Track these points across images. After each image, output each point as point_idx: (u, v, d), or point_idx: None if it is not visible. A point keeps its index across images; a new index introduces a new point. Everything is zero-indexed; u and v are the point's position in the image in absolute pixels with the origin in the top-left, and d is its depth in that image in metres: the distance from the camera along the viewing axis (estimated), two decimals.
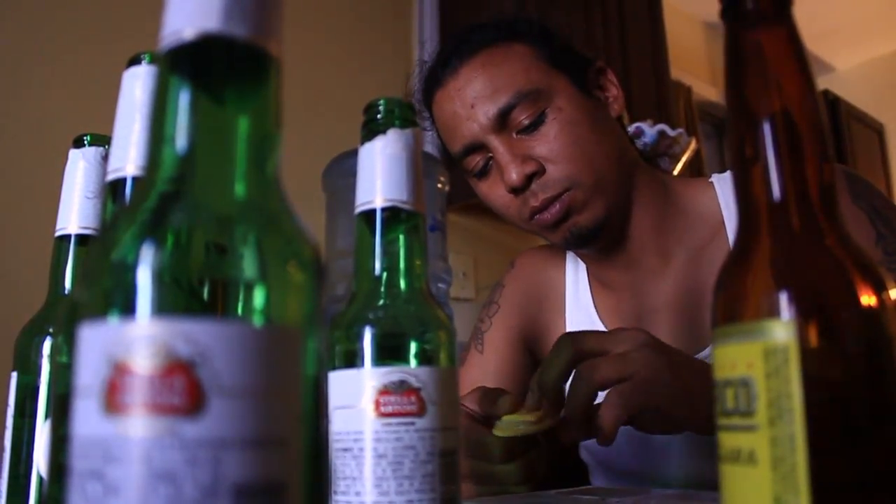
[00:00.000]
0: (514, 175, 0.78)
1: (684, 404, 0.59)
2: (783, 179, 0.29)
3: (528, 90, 0.78)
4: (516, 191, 0.79)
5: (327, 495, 0.38)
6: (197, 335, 0.21)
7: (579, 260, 0.94)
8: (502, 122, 0.79)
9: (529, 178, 0.78)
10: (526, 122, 0.78)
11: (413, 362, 0.39)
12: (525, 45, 0.82)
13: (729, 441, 0.28)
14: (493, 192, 0.83)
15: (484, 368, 0.91)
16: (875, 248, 0.70)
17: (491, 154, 0.81)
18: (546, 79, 0.80)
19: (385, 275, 0.41)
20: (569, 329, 0.92)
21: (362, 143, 0.42)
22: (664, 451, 0.81)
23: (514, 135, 0.79)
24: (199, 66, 0.24)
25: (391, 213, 0.41)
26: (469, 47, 0.82)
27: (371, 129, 0.42)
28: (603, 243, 0.84)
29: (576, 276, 0.94)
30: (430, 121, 0.89)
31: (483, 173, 0.83)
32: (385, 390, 0.38)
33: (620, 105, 0.86)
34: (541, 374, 0.61)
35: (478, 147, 0.81)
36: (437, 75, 0.84)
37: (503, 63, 0.80)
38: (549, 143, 0.78)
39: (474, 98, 0.80)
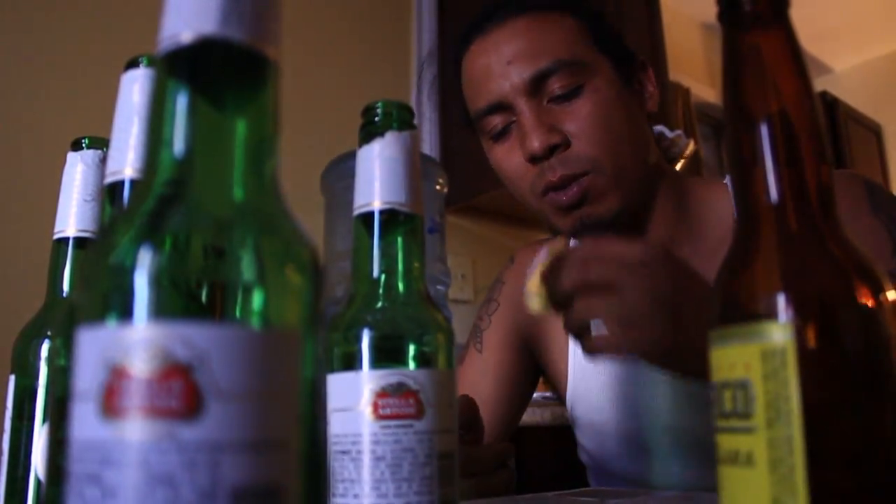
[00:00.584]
0: (536, 143, 0.74)
1: (673, 361, 0.58)
2: (781, 181, 0.30)
3: (570, 60, 0.75)
4: (535, 159, 0.75)
5: (326, 498, 0.38)
6: (195, 338, 0.21)
7: None
8: (536, 86, 0.75)
9: (552, 150, 0.74)
10: (560, 91, 0.75)
11: (411, 364, 0.39)
12: (575, 19, 0.78)
13: (727, 443, 0.28)
14: (509, 158, 0.79)
15: (482, 369, 0.90)
16: (891, 259, 0.69)
17: (514, 118, 0.77)
18: (589, 56, 0.77)
19: (383, 277, 0.41)
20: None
21: (360, 145, 0.42)
22: (662, 456, 0.81)
23: (545, 103, 0.76)
24: (197, 69, 0.24)
25: (389, 216, 0.41)
26: (519, 5, 0.79)
27: (369, 132, 0.42)
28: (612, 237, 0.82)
29: None
30: (455, 77, 0.85)
31: (501, 136, 0.79)
32: (383, 393, 0.38)
33: (655, 103, 0.83)
34: (551, 281, 0.59)
35: (503, 107, 0.77)
36: (479, 25, 0.80)
37: (550, 29, 0.77)
38: (579, 119, 0.75)
39: (513, 55, 0.76)
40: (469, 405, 0.69)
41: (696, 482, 0.77)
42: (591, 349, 0.58)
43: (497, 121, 0.79)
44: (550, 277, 0.59)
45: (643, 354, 0.58)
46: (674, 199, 0.83)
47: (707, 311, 0.55)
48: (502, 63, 0.76)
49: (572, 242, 0.93)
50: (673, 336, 0.56)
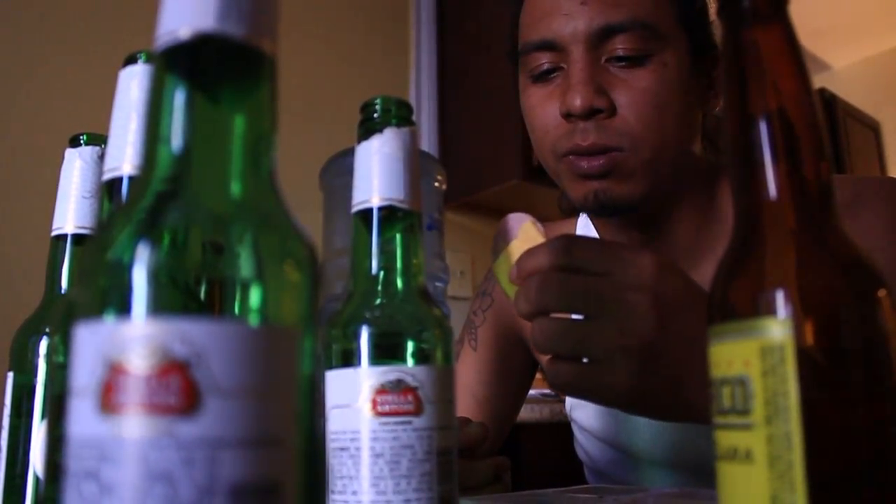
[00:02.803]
0: (578, 100, 0.67)
1: (640, 410, 0.52)
2: (780, 178, 0.29)
3: (648, 23, 0.68)
4: (570, 117, 0.69)
5: (324, 495, 0.38)
6: (193, 335, 0.21)
7: None
8: (600, 39, 0.68)
9: (592, 113, 0.67)
10: (624, 53, 0.68)
11: (410, 361, 0.39)
12: None
13: (725, 439, 0.28)
14: (543, 106, 0.72)
15: (477, 367, 0.88)
16: None
17: (563, 65, 0.70)
18: (668, 26, 0.69)
19: (382, 274, 0.41)
20: None
21: (359, 141, 0.42)
22: (661, 471, 0.79)
23: (604, 60, 0.69)
24: (195, 65, 0.24)
25: (388, 212, 0.41)
26: None
27: (368, 128, 0.42)
28: (623, 223, 0.76)
29: None
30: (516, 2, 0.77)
31: (543, 78, 0.72)
32: (382, 389, 0.38)
33: (716, 104, 0.76)
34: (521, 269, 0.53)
35: (556, 49, 0.70)
36: None
37: None
38: (634, 91, 0.68)
39: None
40: (481, 431, 0.67)
41: (689, 453, 0.76)
42: (549, 381, 0.51)
43: (544, 59, 0.72)
44: (516, 282, 0.53)
45: (606, 401, 0.52)
46: (704, 196, 0.77)
47: (696, 350, 0.50)
48: (575, 0, 0.69)
49: (581, 222, 0.89)
50: (648, 383, 0.49)
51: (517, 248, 0.56)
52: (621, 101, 0.68)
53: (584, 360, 0.51)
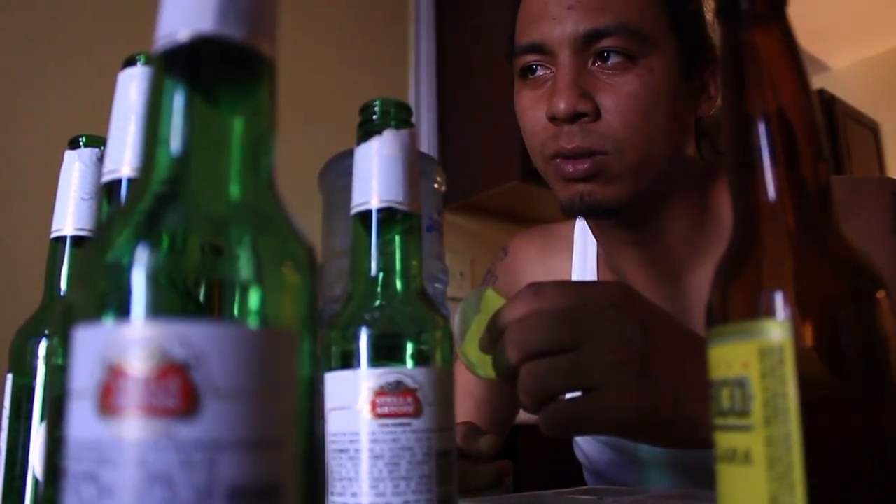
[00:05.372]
0: (562, 104, 0.67)
1: (643, 433, 0.52)
2: (778, 179, 0.29)
3: (634, 28, 0.68)
4: (556, 120, 0.69)
5: (323, 497, 0.38)
6: (192, 337, 0.20)
7: (588, 248, 0.88)
8: (586, 43, 0.69)
9: (576, 117, 0.68)
10: (610, 57, 0.68)
11: (409, 363, 0.39)
12: None
13: (724, 441, 0.28)
14: (533, 108, 0.73)
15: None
16: None
17: (551, 68, 0.72)
18: (656, 30, 0.69)
19: (381, 275, 0.41)
20: None
21: (358, 143, 0.42)
22: (659, 472, 0.79)
23: (590, 64, 0.69)
24: (194, 67, 0.24)
25: (387, 214, 0.41)
26: None
27: (367, 130, 0.42)
28: (613, 223, 0.76)
29: (583, 268, 0.87)
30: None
31: (533, 79, 0.73)
32: (381, 391, 0.38)
33: (710, 107, 0.76)
34: (491, 353, 0.53)
35: (545, 52, 0.71)
36: None
37: None
38: (619, 95, 0.68)
39: (577, 1, 0.69)
40: (493, 445, 0.67)
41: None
42: (545, 427, 0.51)
43: (532, 60, 0.73)
44: (490, 348, 0.53)
45: (610, 426, 0.51)
46: (698, 198, 0.77)
47: (685, 364, 0.50)
48: (563, 6, 0.70)
49: (579, 225, 0.90)
50: (645, 401, 0.49)
51: (481, 321, 0.55)
52: (606, 106, 0.68)
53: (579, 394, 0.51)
